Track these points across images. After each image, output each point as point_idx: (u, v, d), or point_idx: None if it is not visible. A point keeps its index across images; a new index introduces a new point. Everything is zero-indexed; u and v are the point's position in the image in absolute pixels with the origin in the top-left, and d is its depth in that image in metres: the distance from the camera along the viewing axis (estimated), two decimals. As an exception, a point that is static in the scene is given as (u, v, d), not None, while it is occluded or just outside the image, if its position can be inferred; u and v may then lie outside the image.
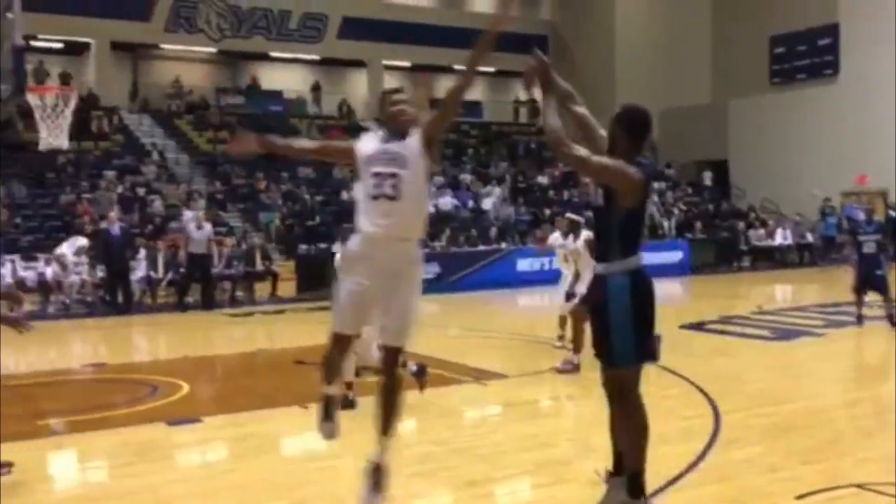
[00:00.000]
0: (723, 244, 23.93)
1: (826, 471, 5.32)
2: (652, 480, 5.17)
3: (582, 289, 9.50)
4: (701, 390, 7.63)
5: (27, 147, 21.87)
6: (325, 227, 21.20)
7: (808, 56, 26.65)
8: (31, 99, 7.50)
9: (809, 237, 24.23)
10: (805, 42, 26.60)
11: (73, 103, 7.82)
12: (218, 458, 6.35)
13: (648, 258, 4.34)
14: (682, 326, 12.13)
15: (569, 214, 10.40)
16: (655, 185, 26.85)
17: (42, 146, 8.33)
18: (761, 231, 24.25)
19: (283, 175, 23.77)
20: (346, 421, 7.05)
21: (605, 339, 4.25)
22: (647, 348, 4.22)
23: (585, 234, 9.67)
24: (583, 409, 7.18)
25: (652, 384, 8.10)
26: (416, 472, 5.44)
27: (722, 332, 11.80)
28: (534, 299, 18.01)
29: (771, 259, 23.81)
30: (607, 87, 31.85)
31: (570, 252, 9.90)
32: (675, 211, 25.50)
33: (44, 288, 15.58)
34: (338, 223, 21.53)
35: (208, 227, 16.46)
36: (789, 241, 23.79)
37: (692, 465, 5.48)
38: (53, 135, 7.73)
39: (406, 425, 7.23)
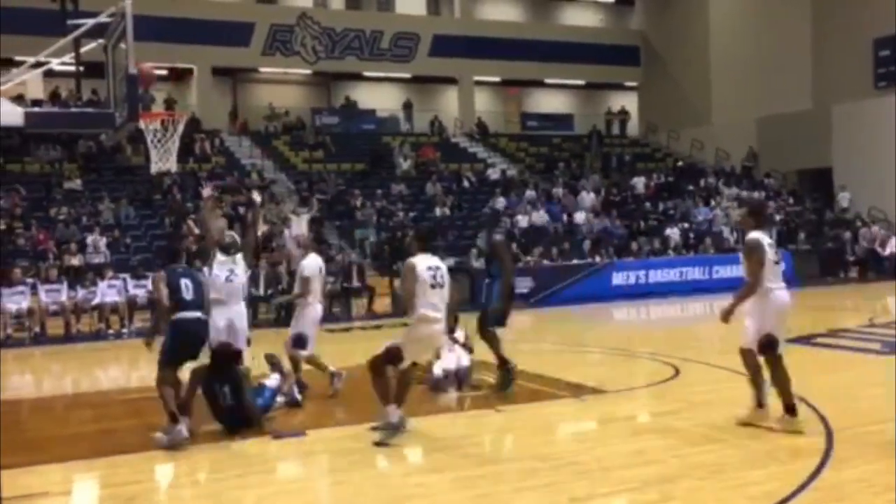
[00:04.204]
0: (828, 254, 23.06)
1: (950, 491, 5.05)
2: (764, 501, 5.03)
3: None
4: (811, 406, 7.37)
5: (135, 171, 22.93)
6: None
7: (916, 58, 25.53)
8: (142, 125, 7.86)
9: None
10: (911, 43, 25.50)
11: (181, 128, 8.18)
12: (322, 472, 6.47)
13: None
14: (790, 340, 11.70)
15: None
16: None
17: (153, 170, 8.71)
18: (874, 230, 23.28)
19: (377, 192, 24.11)
20: (446, 439, 7.06)
21: None
22: None
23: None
24: (685, 425, 7.02)
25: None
26: (521, 487, 5.42)
27: (831, 346, 11.36)
28: (630, 313, 17.74)
29: (880, 269, 22.77)
30: (702, 96, 31.22)
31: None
32: (776, 221, 24.73)
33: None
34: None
35: (308, 243, 16.85)
36: (900, 250, 22.72)
37: (805, 484, 5.29)
38: (163, 159, 8.09)
39: (506, 440, 7.24)
